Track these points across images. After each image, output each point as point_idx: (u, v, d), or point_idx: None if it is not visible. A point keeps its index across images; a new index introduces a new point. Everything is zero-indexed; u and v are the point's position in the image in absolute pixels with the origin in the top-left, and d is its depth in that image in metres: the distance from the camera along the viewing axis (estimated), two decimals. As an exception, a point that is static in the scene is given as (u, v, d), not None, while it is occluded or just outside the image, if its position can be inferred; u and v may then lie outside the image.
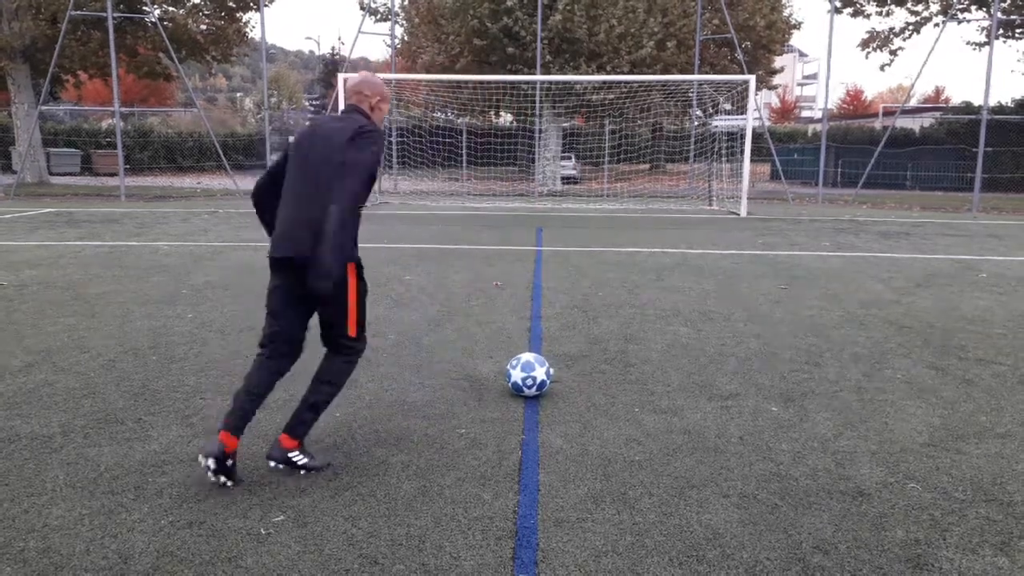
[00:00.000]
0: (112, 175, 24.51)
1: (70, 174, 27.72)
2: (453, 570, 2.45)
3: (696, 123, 24.78)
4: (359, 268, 3.11)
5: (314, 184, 2.98)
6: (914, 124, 28.60)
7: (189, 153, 34.23)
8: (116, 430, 3.59)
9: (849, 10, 24.48)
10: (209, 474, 2.93)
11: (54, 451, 3.34)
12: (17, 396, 4.06)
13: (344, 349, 3.15)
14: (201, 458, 2.94)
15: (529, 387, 4.03)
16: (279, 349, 3.11)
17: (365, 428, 3.65)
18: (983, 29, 24.16)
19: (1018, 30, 23.57)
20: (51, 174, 25.82)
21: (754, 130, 17.09)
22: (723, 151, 20.06)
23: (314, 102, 60.29)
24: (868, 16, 24.83)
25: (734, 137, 19.01)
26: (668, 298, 6.86)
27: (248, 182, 24.73)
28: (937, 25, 23.89)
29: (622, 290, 7.23)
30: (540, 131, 23.04)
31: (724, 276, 8.10)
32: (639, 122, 27.17)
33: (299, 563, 2.48)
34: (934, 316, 6.22)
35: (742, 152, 16.57)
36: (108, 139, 30.29)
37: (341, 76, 17.06)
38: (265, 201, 3.24)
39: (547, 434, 3.59)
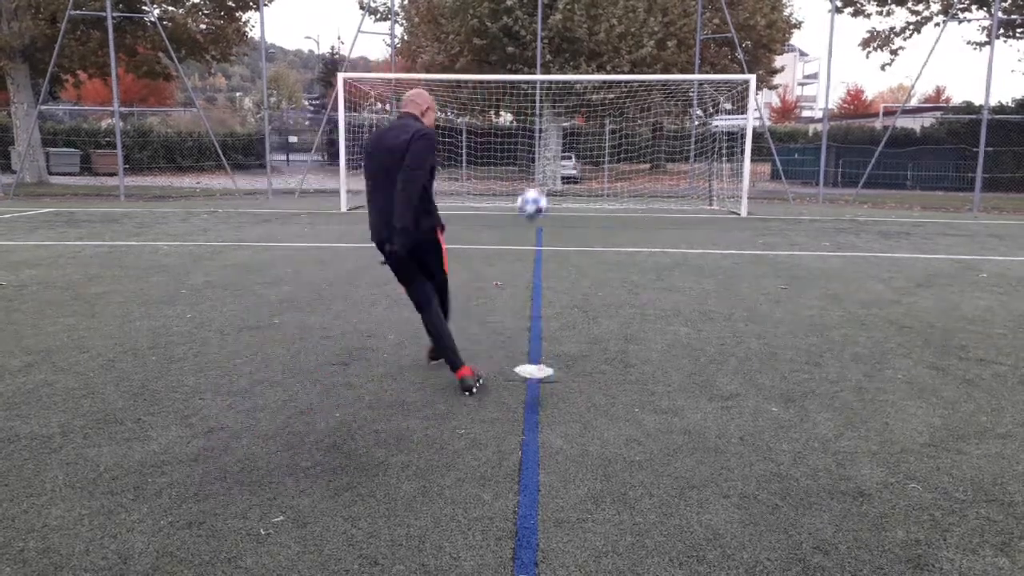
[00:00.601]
0: (111, 175, 24.51)
1: (69, 174, 27.70)
2: (453, 570, 2.45)
3: (696, 123, 24.77)
4: (443, 229, 4.25)
5: (390, 184, 3.96)
6: (915, 124, 28.58)
7: (188, 153, 34.19)
8: (115, 430, 3.58)
9: (850, 10, 24.45)
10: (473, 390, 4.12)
11: (53, 451, 3.34)
12: (16, 396, 4.05)
13: (443, 284, 4.38)
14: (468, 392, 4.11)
15: (531, 204, 4.76)
16: (423, 296, 4.22)
17: (365, 428, 3.65)
18: (984, 29, 24.16)
19: (1019, 30, 23.56)
20: (50, 174, 25.80)
21: (754, 130, 17.08)
22: (723, 151, 20.05)
23: (313, 101, 60.29)
24: (869, 16, 24.80)
25: (734, 137, 18.99)
26: (668, 298, 6.86)
27: (247, 182, 24.77)
28: (938, 25, 23.88)
29: (622, 290, 7.22)
30: (540, 131, 23.03)
31: (724, 276, 8.09)
32: (639, 122, 27.16)
33: (299, 563, 2.47)
34: (935, 316, 6.21)
35: (742, 152, 16.57)
36: (107, 139, 30.27)
37: (340, 75, 17.05)
38: None
39: (547, 434, 3.59)
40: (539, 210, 4.76)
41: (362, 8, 25.60)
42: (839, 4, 23.54)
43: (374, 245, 4.15)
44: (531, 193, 4.84)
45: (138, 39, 24.26)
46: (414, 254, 4.10)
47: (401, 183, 3.85)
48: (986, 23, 23.04)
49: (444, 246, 4.31)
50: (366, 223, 4.07)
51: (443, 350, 4.22)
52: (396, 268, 4.21)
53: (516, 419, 3.78)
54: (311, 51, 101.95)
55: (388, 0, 25.40)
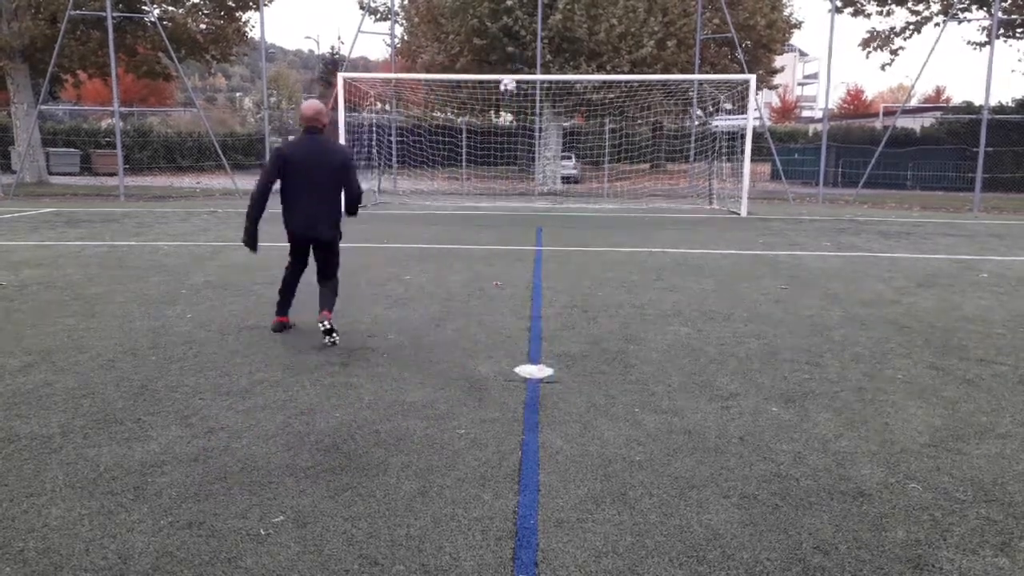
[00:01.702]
0: (112, 175, 24.47)
1: (69, 174, 27.67)
2: (453, 570, 2.45)
3: (696, 123, 24.76)
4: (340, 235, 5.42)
5: (324, 191, 5.12)
6: (915, 124, 28.58)
7: (188, 153, 34.18)
8: (115, 430, 3.58)
9: (850, 9, 24.44)
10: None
11: (53, 451, 3.34)
12: (16, 396, 4.05)
13: (334, 276, 5.41)
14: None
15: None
16: (298, 268, 5.48)
17: (365, 428, 3.65)
18: (984, 29, 24.15)
19: (1019, 30, 23.55)
20: (50, 174, 25.77)
21: (754, 130, 17.08)
22: (723, 151, 20.05)
23: (314, 102, 60.13)
24: (869, 16, 24.78)
25: (734, 137, 18.99)
26: (668, 298, 6.86)
27: (248, 181, 24.73)
28: (938, 25, 23.87)
29: (622, 290, 7.22)
30: (540, 130, 23.03)
31: (724, 276, 8.09)
32: (639, 121, 27.16)
33: (299, 563, 2.47)
34: (935, 316, 6.21)
35: (742, 152, 16.57)
36: (107, 139, 30.25)
37: (341, 75, 17.05)
38: (265, 203, 5.17)
39: (547, 434, 3.59)
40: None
41: (362, 8, 25.61)
42: (839, 4, 23.54)
43: (298, 236, 5.27)
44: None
45: (138, 39, 24.25)
46: (330, 246, 5.33)
47: (356, 196, 5.28)
48: (986, 23, 23.04)
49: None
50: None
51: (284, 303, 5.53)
52: (301, 254, 5.42)
53: (516, 419, 3.78)
54: (311, 51, 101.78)
55: (388, 0, 25.41)
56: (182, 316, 5.97)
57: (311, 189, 5.06)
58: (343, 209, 5.32)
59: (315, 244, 5.26)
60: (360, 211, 5.56)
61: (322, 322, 5.06)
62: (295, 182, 5.06)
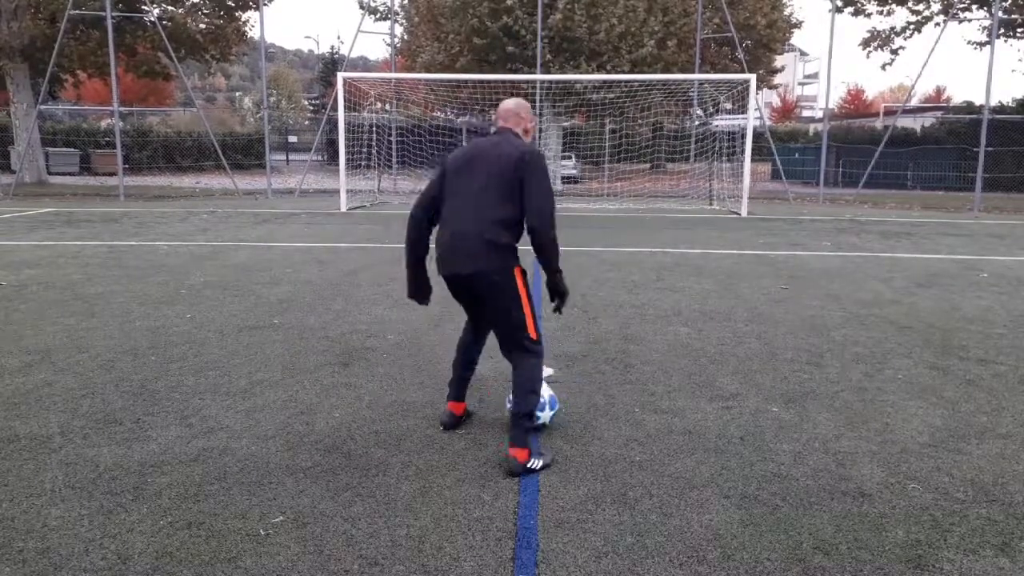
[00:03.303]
0: (111, 175, 24.43)
1: (69, 174, 27.66)
2: (453, 570, 2.45)
3: (697, 122, 24.75)
4: (523, 273, 3.35)
5: (477, 202, 3.24)
6: (915, 124, 28.56)
7: (188, 153, 34.13)
8: (115, 430, 3.58)
9: (850, 9, 24.44)
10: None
11: (53, 451, 3.33)
12: (16, 396, 4.05)
13: (523, 357, 3.33)
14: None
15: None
16: (472, 331, 3.75)
17: (365, 428, 3.64)
18: (984, 28, 24.14)
19: (1019, 29, 23.54)
20: (50, 174, 25.75)
21: (755, 129, 17.08)
22: (724, 151, 20.04)
23: (313, 101, 60.29)
24: (869, 15, 24.76)
25: (735, 137, 18.99)
26: (668, 298, 6.85)
27: (247, 181, 24.75)
28: (938, 24, 23.86)
29: (622, 290, 7.22)
30: (540, 130, 23.02)
31: (724, 276, 8.09)
32: (640, 121, 27.13)
33: (299, 564, 2.47)
34: (935, 316, 6.21)
35: (743, 152, 16.57)
36: (107, 139, 30.23)
37: (340, 75, 17.05)
38: (425, 232, 3.51)
39: (547, 434, 3.59)
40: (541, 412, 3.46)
41: (362, 8, 25.60)
42: (839, 4, 23.52)
43: (443, 274, 3.43)
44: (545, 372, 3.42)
45: (138, 39, 24.23)
46: (492, 291, 3.29)
47: (536, 216, 3.18)
48: (986, 23, 23.02)
49: (524, 293, 3.33)
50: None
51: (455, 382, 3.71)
52: (477, 301, 3.46)
53: (516, 419, 3.77)
54: (311, 51, 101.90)
55: (388, 0, 25.40)
56: (182, 316, 5.97)
57: (461, 201, 3.29)
58: (532, 232, 3.22)
59: (467, 289, 3.39)
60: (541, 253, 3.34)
61: (509, 462, 3.15)
62: (449, 195, 3.37)
